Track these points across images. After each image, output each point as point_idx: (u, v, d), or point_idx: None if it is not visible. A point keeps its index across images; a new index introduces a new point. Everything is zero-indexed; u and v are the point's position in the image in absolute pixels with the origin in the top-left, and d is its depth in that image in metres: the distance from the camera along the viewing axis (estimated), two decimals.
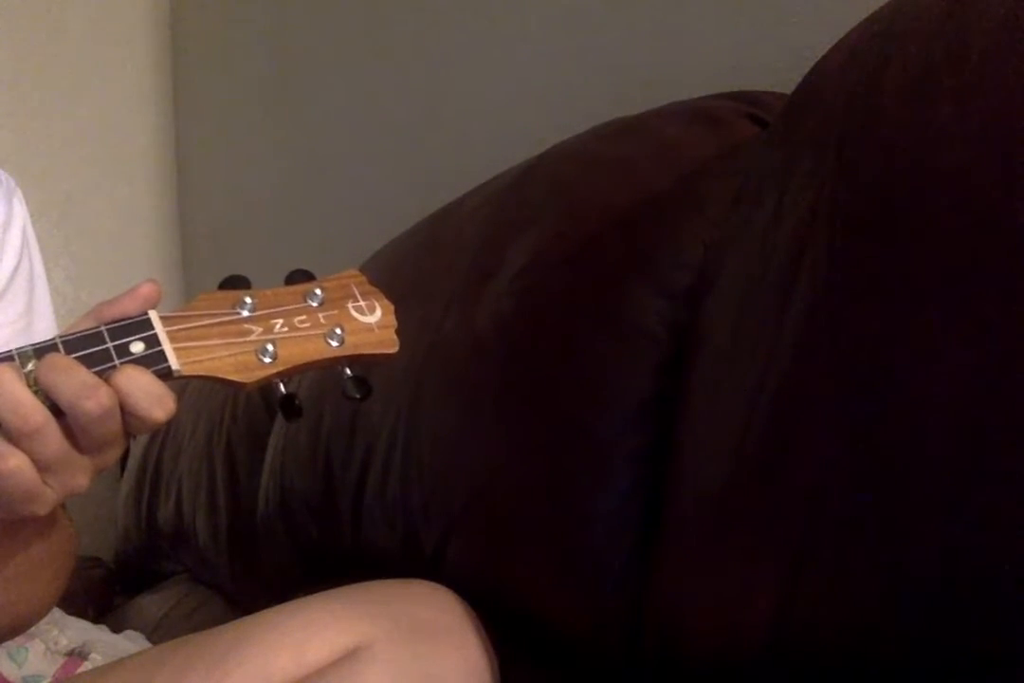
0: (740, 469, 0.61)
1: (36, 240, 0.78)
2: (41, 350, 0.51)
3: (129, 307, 0.54)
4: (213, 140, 2.00)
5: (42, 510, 0.52)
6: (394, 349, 0.59)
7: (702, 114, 0.83)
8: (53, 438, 0.50)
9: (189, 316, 0.55)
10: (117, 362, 0.52)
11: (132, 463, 1.65)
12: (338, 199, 1.59)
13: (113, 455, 0.53)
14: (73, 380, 0.50)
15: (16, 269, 0.74)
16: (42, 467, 0.50)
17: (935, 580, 0.50)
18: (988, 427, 0.49)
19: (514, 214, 0.91)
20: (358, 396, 0.58)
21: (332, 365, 0.58)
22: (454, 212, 1.04)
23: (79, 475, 0.52)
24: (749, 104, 0.82)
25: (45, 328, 0.75)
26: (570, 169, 0.90)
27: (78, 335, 0.53)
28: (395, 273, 1.03)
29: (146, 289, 0.54)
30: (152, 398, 0.51)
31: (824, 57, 0.67)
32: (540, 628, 0.78)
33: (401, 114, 1.43)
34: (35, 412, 0.49)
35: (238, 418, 1.35)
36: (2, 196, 0.75)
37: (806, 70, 0.68)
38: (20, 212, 0.76)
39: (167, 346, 0.54)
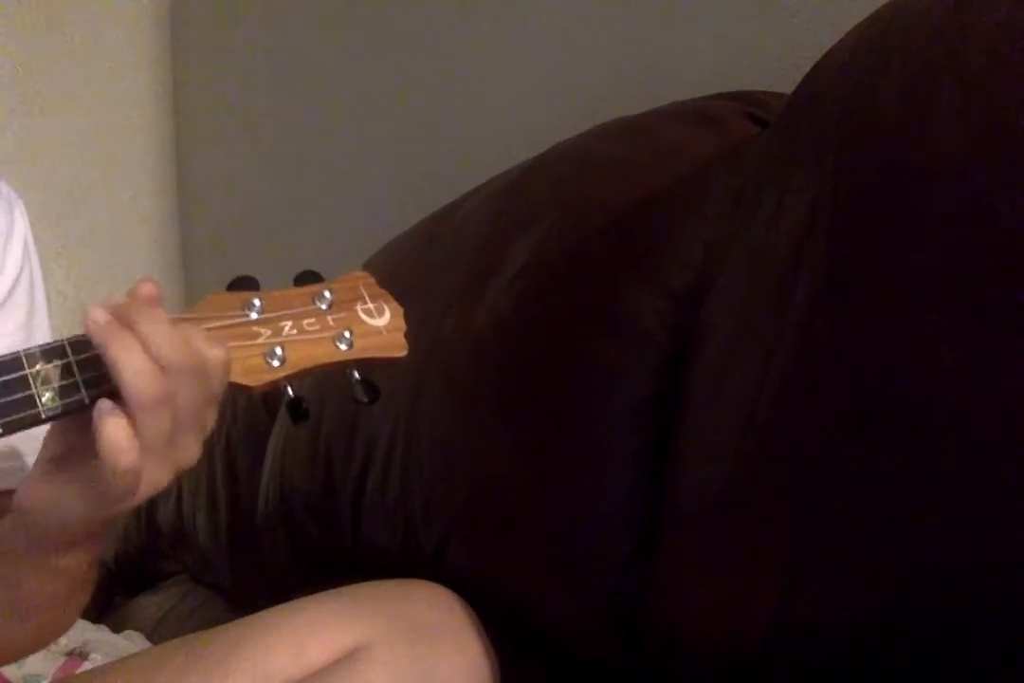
0: (740, 469, 0.61)
1: (36, 248, 0.78)
2: (48, 352, 0.51)
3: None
4: (213, 140, 2.00)
5: (135, 498, 0.53)
6: (403, 352, 0.59)
7: (702, 114, 0.83)
8: (168, 413, 0.50)
9: (197, 318, 0.55)
10: None
11: None
12: (338, 199, 1.59)
13: (196, 445, 0.53)
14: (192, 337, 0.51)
15: (16, 281, 0.74)
16: (145, 443, 0.50)
17: (935, 580, 0.50)
18: (988, 426, 0.49)
19: (514, 214, 0.91)
20: (366, 400, 0.58)
21: (340, 368, 0.58)
22: (454, 212, 1.03)
23: (165, 467, 0.52)
24: (749, 104, 0.82)
25: (43, 340, 0.74)
26: (570, 169, 0.90)
27: (85, 337, 0.52)
28: (395, 273, 1.03)
29: (146, 290, 0.53)
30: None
31: (824, 57, 0.67)
32: (540, 628, 0.78)
33: (402, 114, 1.43)
34: (165, 384, 0.49)
35: (238, 418, 1.35)
36: (3, 206, 0.75)
37: (806, 70, 0.68)
38: (21, 224, 0.76)
39: None
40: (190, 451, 0.53)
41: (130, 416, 0.49)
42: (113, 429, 0.49)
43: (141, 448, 0.49)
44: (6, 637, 0.64)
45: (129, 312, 0.50)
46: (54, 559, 0.58)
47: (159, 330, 0.50)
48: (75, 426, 0.52)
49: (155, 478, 0.52)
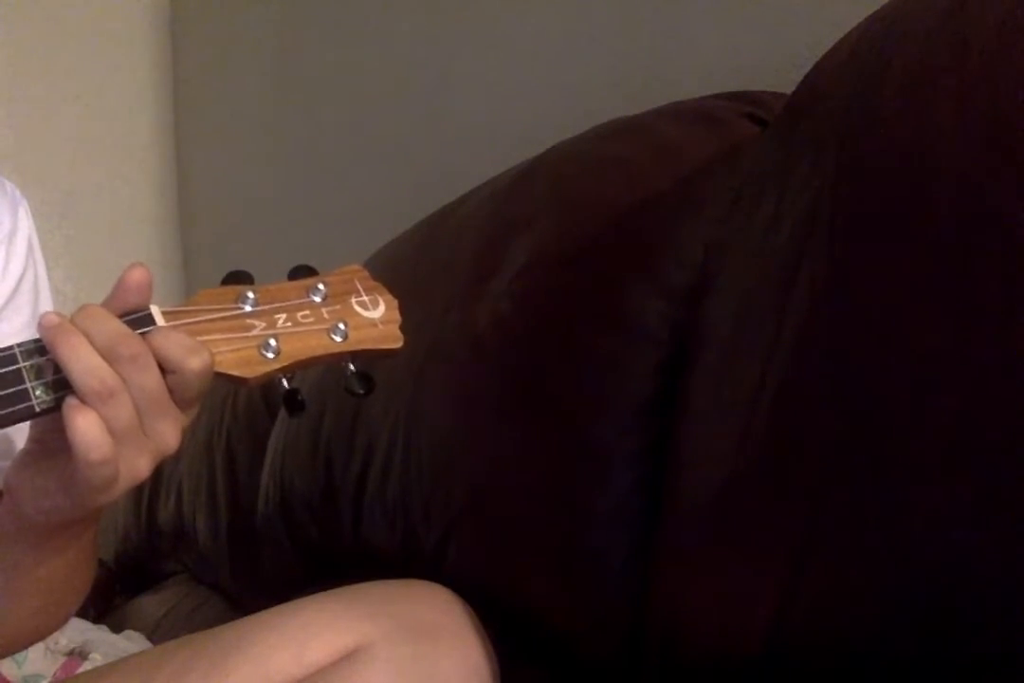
0: (740, 469, 0.61)
1: (40, 248, 0.78)
2: (43, 347, 0.51)
3: (127, 300, 0.53)
4: (213, 140, 2.00)
5: (114, 490, 0.52)
6: (398, 344, 0.59)
7: (702, 114, 0.83)
8: (126, 403, 0.51)
9: (191, 311, 0.55)
10: None
11: None
12: (338, 199, 1.59)
13: (173, 433, 0.53)
14: (177, 340, 0.52)
15: (21, 279, 0.74)
16: (114, 435, 0.50)
17: (935, 580, 0.50)
18: (988, 427, 0.49)
19: (514, 214, 0.91)
20: (362, 391, 0.58)
21: (335, 360, 0.58)
22: (454, 212, 1.04)
23: (142, 457, 0.52)
24: (749, 104, 0.82)
25: None
26: (570, 169, 0.90)
27: None
28: (395, 273, 1.03)
29: (136, 277, 0.53)
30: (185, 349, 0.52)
31: (824, 57, 0.67)
32: (540, 628, 0.78)
33: (402, 114, 1.43)
34: (112, 375, 0.50)
35: (238, 417, 1.35)
36: (7, 207, 0.75)
37: (806, 70, 0.68)
38: (25, 223, 0.76)
39: None
40: (166, 439, 0.53)
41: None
42: (82, 424, 0.49)
43: (113, 440, 0.50)
44: (5, 621, 0.64)
45: (77, 316, 0.51)
46: (46, 540, 0.59)
47: (100, 325, 0.51)
48: (58, 418, 0.53)
49: (133, 468, 0.52)
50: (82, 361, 0.50)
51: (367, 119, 1.52)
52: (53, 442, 0.53)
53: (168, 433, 0.53)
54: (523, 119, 1.20)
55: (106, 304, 0.53)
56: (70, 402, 0.50)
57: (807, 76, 0.68)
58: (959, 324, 0.50)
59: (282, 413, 1.18)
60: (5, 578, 0.61)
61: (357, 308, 0.59)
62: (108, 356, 0.50)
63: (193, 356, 0.52)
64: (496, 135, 1.25)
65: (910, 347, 0.52)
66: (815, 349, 0.58)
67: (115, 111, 2.03)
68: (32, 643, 0.74)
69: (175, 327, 0.53)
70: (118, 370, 0.50)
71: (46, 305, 0.76)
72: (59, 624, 0.70)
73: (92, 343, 0.50)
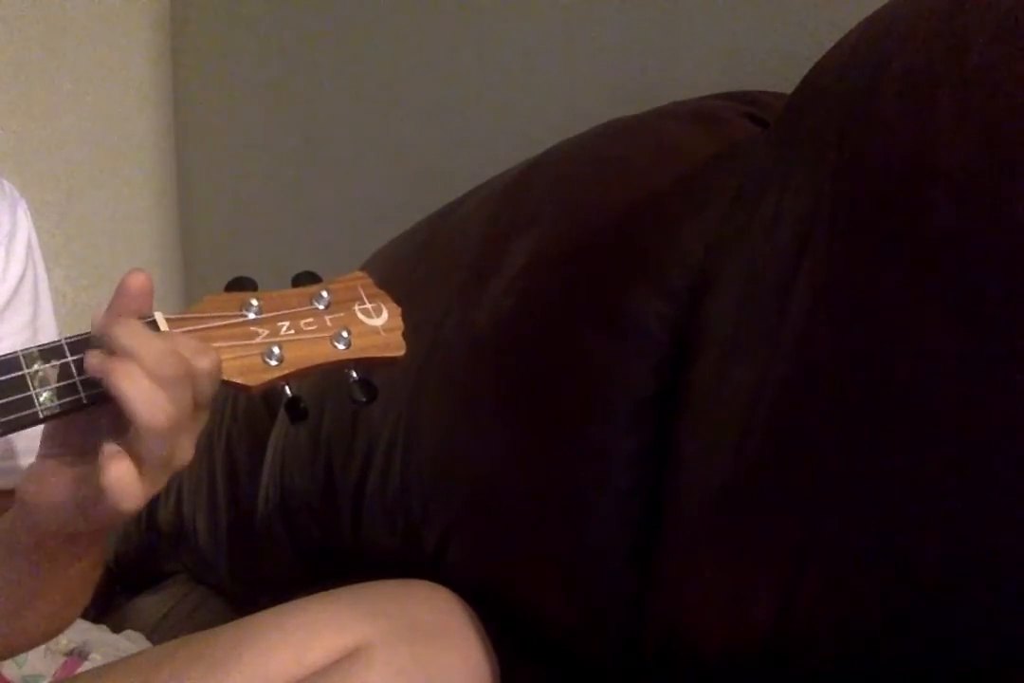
0: (740, 469, 0.61)
1: (40, 248, 0.78)
2: (47, 353, 0.51)
3: (128, 307, 0.53)
4: (213, 140, 2.00)
5: (134, 511, 0.52)
6: (401, 352, 0.59)
7: (702, 114, 0.83)
8: (177, 435, 0.50)
9: (195, 318, 0.55)
10: None
11: None
12: (338, 199, 1.59)
13: (191, 447, 0.53)
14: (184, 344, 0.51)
15: (21, 279, 0.74)
16: (151, 466, 0.50)
17: (935, 580, 0.50)
18: (988, 426, 0.49)
19: (514, 214, 0.91)
20: (364, 399, 0.58)
21: (338, 368, 0.58)
22: (454, 212, 1.04)
23: (163, 476, 0.52)
24: (749, 104, 0.82)
25: (49, 338, 0.74)
26: (570, 169, 0.90)
27: (84, 337, 0.52)
28: (395, 273, 1.03)
29: (137, 283, 0.52)
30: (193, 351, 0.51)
31: (824, 57, 0.67)
32: (540, 628, 0.78)
33: (402, 114, 1.43)
34: (175, 409, 0.49)
35: (238, 418, 1.35)
36: (6, 207, 0.75)
37: (806, 70, 0.68)
38: (25, 223, 0.76)
39: None
40: (184, 454, 0.53)
41: (134, 439, 0.49)
42: (117, 472, 0.49)
43: (143, 473, 0.50)
44: (10, 626, 0.64)
45: (112, 332, 0.50)
46: (63, 547, 0.59)
47: (146, 345, 0.49)
48: (73, 426, 0.52)
49: (153, 485, 0.52)
50: (143, 393, 0.48)
51: (367, 118, 1.52)
52: (64, 455, 0.53)
53: (187, 448, 0.53)
54: (523, 119, 1.20)
55: (108, 311, 0.53)
56: (109, 450, 0.49)
57: (807, 76, 0.68)
58: (959, 323, 0.50)
59: (282, 413, 1.18)
60: (22, 585, 0.61)
61: (360, 316, 0.59)
62: (158, 378, 0.49)
63: (201, 357, 0.51)
64: (496, 135, 1.25)
65: (910, 347, 0.52)
66: (815, 349, 0.58)
67: (115, 111, 2.03)
68: (37, 645, 0.74)
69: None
70: (168, 392, 0.49)
71: (46, 305, 0.76)
72: (64, 627, 0.71)
73: (142, 367, 0.49)
